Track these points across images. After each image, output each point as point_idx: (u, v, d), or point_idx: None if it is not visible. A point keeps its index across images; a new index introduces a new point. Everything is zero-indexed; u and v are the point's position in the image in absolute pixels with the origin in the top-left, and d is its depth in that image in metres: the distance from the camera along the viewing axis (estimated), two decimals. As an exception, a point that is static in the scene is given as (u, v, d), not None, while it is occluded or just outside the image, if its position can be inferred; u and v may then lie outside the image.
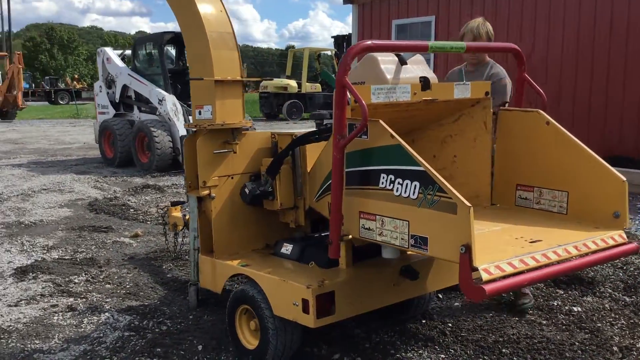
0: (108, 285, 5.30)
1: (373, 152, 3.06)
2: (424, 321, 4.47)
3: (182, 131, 11.82)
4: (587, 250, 3.12)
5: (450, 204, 2.70)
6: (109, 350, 4.03)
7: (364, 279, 3.66)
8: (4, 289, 5.21)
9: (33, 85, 45.59)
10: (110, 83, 13.96)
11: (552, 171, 3.64)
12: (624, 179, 3.30)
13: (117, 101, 13.85)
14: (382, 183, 3.01)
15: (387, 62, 3.48)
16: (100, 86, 14.19)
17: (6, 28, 48.05)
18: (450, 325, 4.41)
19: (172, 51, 14.37)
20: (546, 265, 2.92)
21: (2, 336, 4.26)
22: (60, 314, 4.64)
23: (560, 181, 3.61)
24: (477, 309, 4.70)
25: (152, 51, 13.72)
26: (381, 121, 3.00)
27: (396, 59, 3.54)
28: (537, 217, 3.65)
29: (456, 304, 4.81)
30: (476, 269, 2.65)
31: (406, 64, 3.54)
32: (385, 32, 14.15)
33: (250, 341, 3.86)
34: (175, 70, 13.62)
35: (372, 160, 3.07)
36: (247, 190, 4.02)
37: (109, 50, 14.24)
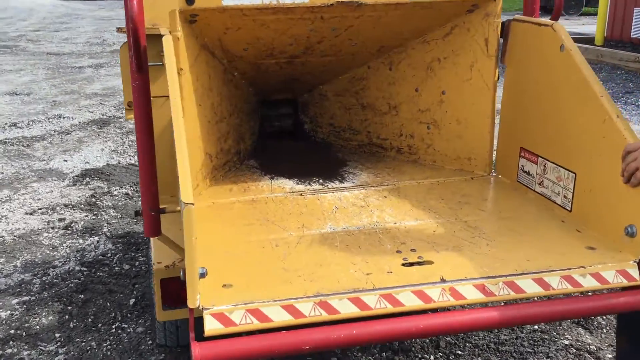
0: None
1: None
2: (427, 318, 3.19)
3: None
4: (510, 296, 1.67)
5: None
6: (41, 286, 3.54)
7: None
8: (48, 192, 5.04)
9: None
10: None
11: (560, 135, 2.09)
12: (654, 167, 1.70)
13: None
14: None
15: (272, -62, 2.18)
16: None
17: None
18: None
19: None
20: (384, 317, 1.60)
21: (-18, 248, 4.07)
22: (54, 230, 4.28)
23: (569, 154, 2.05)
24: (521, 314, 3.25)
25: None
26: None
27: None
28: (527, 209, 2.16)
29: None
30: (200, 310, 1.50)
31: (317, -59, 2.20)
32: None
33: (157, 309, 3.07)
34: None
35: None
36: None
37: None
